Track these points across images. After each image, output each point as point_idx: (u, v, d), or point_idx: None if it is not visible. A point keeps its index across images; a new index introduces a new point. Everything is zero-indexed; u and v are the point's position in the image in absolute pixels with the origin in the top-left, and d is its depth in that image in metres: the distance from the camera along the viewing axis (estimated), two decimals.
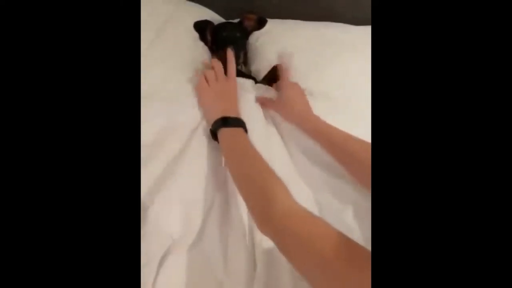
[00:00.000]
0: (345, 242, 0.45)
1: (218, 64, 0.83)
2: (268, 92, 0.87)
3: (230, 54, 0.85)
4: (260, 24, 0.99)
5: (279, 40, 0.96)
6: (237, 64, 0.92)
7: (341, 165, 0.70)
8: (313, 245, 0.46)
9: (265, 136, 0.78)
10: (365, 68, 0.77)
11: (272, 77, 0.88)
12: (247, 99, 0.84)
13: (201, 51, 0.94)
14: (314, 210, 0.69)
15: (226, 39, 0.92)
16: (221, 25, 0.97)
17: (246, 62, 0.98)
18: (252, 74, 0.95)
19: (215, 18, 1.03)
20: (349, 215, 0.67)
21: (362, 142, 0.67)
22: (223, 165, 0.73)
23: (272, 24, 0.99)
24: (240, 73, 0.91)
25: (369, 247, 0.38)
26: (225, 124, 0.72)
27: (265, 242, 0.60)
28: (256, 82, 0.91)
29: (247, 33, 0.99)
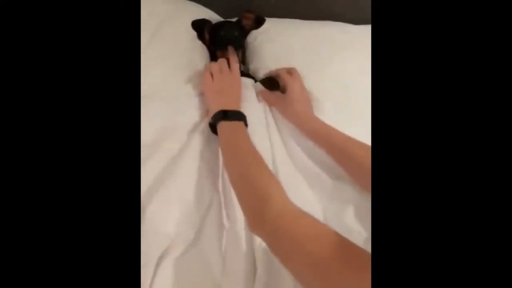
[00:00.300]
0: (341, 242, 0.44)
1: (222, 59, 0.83)
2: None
3: (232, 51, 0.85)
4: (258, 23, 0.98)
5: (277, 39, 0.96)
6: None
7: (340, 166, 0.70)
8: (305, 246, 0.45)
9: (265, 134, 0.78)
10: (364, 67, 0.77)
11: (272, 84, 0.88)
12: (247, 97, 0.83)
13: (199, 50, 0.94)
14: (314, 209, 0.69)
15: (224, 38, 0.92)
16: (219, 24, 0.97)
17: (244, 61, 0.98)
18: (250, 73, 0.95)
19: (214, 17, 1.03)
20: (349, 215, 0.67)
21: (362, 144, 0.67)
22: (221, 165, 0.73)
23: (270, 23, 0.99)
24: None
25: (369, 247, 0.38)
26: (224, 117, 0.71)
27: (266, 244, 0.60)
28: (256, 81, 0.91)
29: (245, 32, 0.98)
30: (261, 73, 0.92)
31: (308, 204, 0.68)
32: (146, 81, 0.73)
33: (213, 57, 0.95)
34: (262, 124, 0.80)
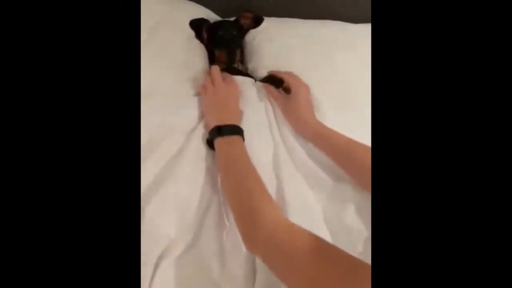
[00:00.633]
0: (334, 255, 0.45)
1: (215, 71, 0.82)
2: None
3: (216, 69, 0.83)
4: (257, 22, 0.98)
5: (276, 38, 0.95)
6: (234, 62, 0.92)
7: (342, 168, 0.70)
8: (297, 259, 0.46)
9: (266, 135, 0.78)
10: (364, 66, 0.77)
11: (275, 82, 0.87)
12: (248, 97, 0.83)
13: (198, 49, 0.93)
14: (314, 209, 0.68)
15: (222, 37, 0.92)
16: (217, 23, 0.97)
17: (242, 60, 0.98)
18: (249, 72, 0.95)
19: (212, 16, 1.02)
20: (349, 215, 0.67)
21: (363, 146, 0.67)
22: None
23: (269, 22, 0.99)
24: (237, 71, 0.91)
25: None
26: (219, 133, 0.70)
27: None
28: (256, 80, 0.91)
29: (243, 31, 0.98)
30: (260, 73, 0.92)
31: (308, 204, 0.68)
32: (143, 81, 0.72)
33: (211, 57, 0.95)
34: (264, 124, 0.80)
